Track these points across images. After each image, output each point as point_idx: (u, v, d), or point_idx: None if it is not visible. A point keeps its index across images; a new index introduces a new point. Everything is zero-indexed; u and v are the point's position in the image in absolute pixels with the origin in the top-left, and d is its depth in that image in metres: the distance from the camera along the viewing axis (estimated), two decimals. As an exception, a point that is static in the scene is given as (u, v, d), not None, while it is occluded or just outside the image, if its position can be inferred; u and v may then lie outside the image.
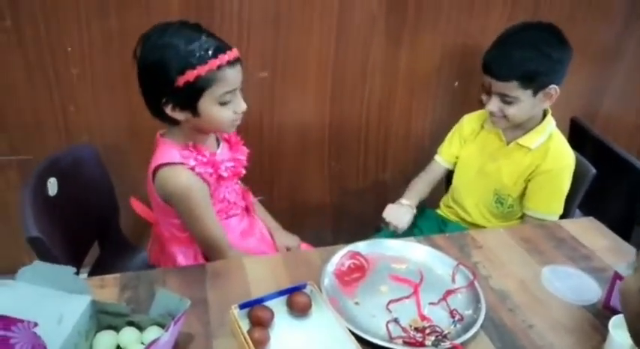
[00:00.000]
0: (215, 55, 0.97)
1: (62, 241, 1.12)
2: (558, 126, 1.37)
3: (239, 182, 1.24)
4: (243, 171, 1.19)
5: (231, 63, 0.99)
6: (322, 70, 1.65)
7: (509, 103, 1.27)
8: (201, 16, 1.46)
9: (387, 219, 1.35)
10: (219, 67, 0.97)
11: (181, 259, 1.15)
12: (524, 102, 1.26)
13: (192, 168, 1.04)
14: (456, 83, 1.78)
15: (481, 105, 1.37)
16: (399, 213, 1.37)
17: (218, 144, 1.17)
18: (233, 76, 1.00)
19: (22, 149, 1.57)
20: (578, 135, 1.73)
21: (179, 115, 1.02)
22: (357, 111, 1.77)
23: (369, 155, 1.88)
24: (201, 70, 0.96)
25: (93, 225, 1.34)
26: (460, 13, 1.65)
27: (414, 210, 1.42)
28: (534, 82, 1.24)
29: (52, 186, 1.15)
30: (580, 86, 1.88)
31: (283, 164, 1.79)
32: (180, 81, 0.96)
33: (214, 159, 1.09)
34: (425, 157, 1.65)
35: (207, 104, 1.00)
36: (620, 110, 2.01)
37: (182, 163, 1.04)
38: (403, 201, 1.42)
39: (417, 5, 1.60)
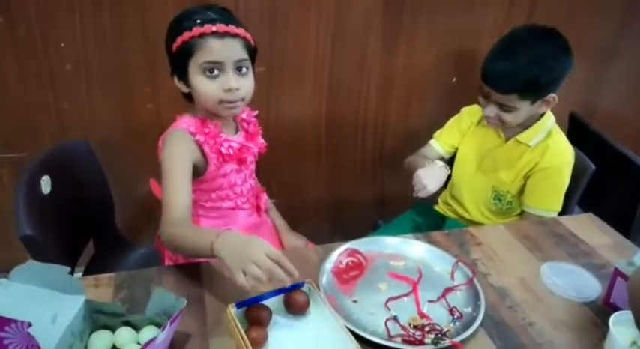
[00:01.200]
0: (203, 24, 0.99)
1: (56, 240, 1.10)
2: (557, 121, 1.36)
3: (255, 179, 1.25)
4: (250, 159, 1.18)
5: (218, 34, 0.99)
6: (319, 65, 1.64)
7: (506, 111, 1.26)
8: (197, 11, 1.45)
9: (414, 181, 1.28)
10: (201, 35, 0.98)
11: None
12: (522, 110, 1.26)
13: (193, 134, 1.06)
14: (454, 79, 1.78)
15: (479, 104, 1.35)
16: (430, 173, 1.28)
17: (236, 132, 1.17)
18: (217, 47, 0.99)
19: (15, 146, 1.56)
20: (577, 131, 1.73)
21: (182, 87, 1.07)
22: (354, 106, 1.76)
23: (366, 151, 1.87)
24: (186, 36, 0.99)
25: (88, 223, 1.33)
26: (457, 9, 1.64)
27: (448, 170, 1.34)
28: (534, 93, 1.23)
29: (46, 184, 1.14)
30: (579, 81, 1.87)
31: (280, 160, 1.78)
32: (174, 47, 1.02)
33: (218, 133, 1.09)
34: (422, 153, 1.64)
35: (194, 74, 1.02)
36: (618, 105, 2.01)
37: (184, 128, 1.06)
38: (438, 162, 1.35)
39: (415, 0, 1.59)
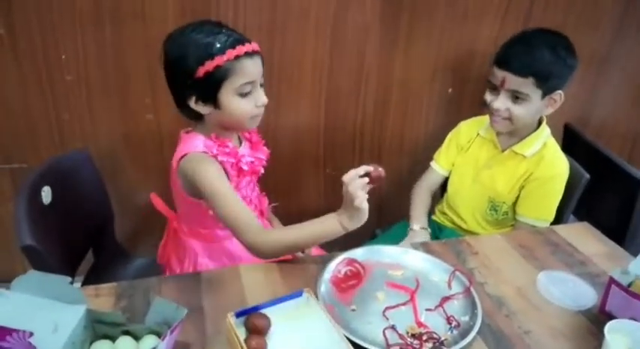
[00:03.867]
0: (233, 46, 1.00)
1: (56, 249, 1.11)
2: (552, 132, 1.38)
3: (257, 187, 1.26)
4: (262, 170, 1.21)
5: (249, 54, 1.02)
6: (317, 75, 1.65)
7: (518, 102, 1.27)
8: (196, 23, 1.47)
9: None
10: (236, 57, 1.00)
11: (202, 255, 1.17)
12: (533, 102, 1.26)
13: (215, 157, 1.06)
14: (450, 90, 1.79)
15: (481, 108, 1.36)
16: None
17: (240, 143, 1.19)
18: (252, 67, 1.02)
19: (16, 157, 1.56)
20: (571, 141, 1.75)
21: (203, 109, 1.05)
22: (352, 117, 1.78)
23: (363, 161, 1.88)
24: (220, 60, 0.99)
25: (87, 233, 1.33)
26: (453, 21, 1.66)
27: (428, 229, 1.39)
28: (547, 82, 1.24)
29: (47, 194, 1.14)
30: (573, 92, 1.89)
31: (278, 169, 1.78)
32: (201, 71, 0.99)
33: (236, 151, 1.11)
34: (419, 162, 1.66)
35: (228, 95, 1.03)
36: (611, 116, 2.03)
37: (205, 152, 1.06)
38: (414, 226, 1.39)
39: (411, 13, 1.61)
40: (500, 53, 1.30)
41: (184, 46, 1.01)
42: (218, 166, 1.06)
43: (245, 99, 1.04)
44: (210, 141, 1.08)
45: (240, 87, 1.02)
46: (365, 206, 0.95)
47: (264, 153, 1.22)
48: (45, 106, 1.50)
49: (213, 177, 1.03)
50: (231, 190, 1.04)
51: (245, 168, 1.12)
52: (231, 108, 1.04)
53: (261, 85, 1.08)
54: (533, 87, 1.24)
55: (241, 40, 1.02)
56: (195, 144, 1.07)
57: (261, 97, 1.07)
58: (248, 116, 1.07)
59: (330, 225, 1.01)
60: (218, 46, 0.99)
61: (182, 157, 1.06)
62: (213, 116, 1.07)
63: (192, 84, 1.01)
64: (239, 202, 1.03)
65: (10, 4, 1.35)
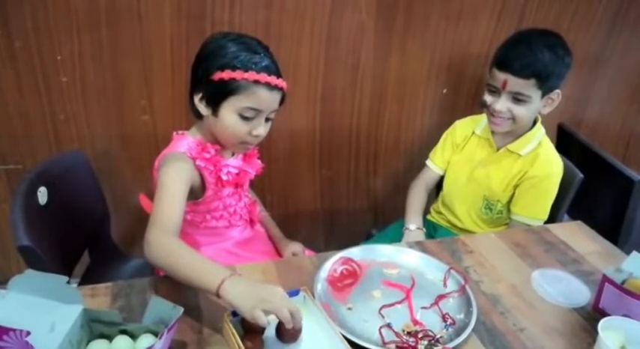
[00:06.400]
0: (259, 71, 1.00)
1: (53, 250, 1.10)
2: (546, 131, 1.39)
3: (248, 193, 1.25)
4: (246, 184, 1.20)
5: (270, 87, 1.01)
6: (313, 77, 1.66)
7: (520, 103, 1.27)
8: (193, 25, 1.47)
9: None
10: (255, 81, 0.99)
11: None
12: (534, 103, 1.27)
13: (194, 159, 1.06)
14: (445, 90, 1.80)
15: (476, 108, 1.37)
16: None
17: (233, 154, 1.17)
18: (265, 97, 1.02)
19: (11, 158, 1.56)
20: (565, 141, 1.76)
21: (203, 109, 1.05)
22: (348, 118, 1.78)
23: (359, 161, 1.89)
24: (238, 75, 0.99)
25: (84, 234, 1.33)
26: (448, 21, 1.67)
27: (424, 229, 1.41)
28: (548, 82, 1.25)
29: (43, 195, 1.14)
30: (567, 92, 1.91)
31: (274, 171, 1.80)
32: (217, 76, 1.00)
33: (219, 159, 1.09)
34: (415, 162, 1.67)
35: (229, 109, 1.02)
36: (605, 116, 2.05)
37: (184, 152, 1.06)
38: (410, 226, 1.40)
39: (406, 14, 1.62)
40: (499, 55, 1.30)
41: (219, 47, 1.02)
42: (187, 167, 1.04)
43: (243, 121, 1.03)
44: (194, 143, 1.08)
45: (244, 109, 1.02)
46: (257, 315, 0.79)
47: (254, 167, 1.20)
48: (41, 107, 1.50)
49: (169, 172, 1.01)
50: (176, 190, 0.99)
51: (224, 178, 1.10)
52: (226, 123, 1.04)
53: (268, 120, 1.07)
54: (534, 89, 1.25)
55: (271, 71, 1.01)
56: (179, 145, 1.08)
57: (259, 128, 1.05)
58: (238, 138, 1.06)
59: (212, 277, 0.84)
60: (245, 62, 0.99)
61: (163, 156, 1.06)
62: (210, 121, 1.07)
63: (206, 83, 1.03)
64: (172, 201, 0.98)
65: (5, 5, 1.35)
